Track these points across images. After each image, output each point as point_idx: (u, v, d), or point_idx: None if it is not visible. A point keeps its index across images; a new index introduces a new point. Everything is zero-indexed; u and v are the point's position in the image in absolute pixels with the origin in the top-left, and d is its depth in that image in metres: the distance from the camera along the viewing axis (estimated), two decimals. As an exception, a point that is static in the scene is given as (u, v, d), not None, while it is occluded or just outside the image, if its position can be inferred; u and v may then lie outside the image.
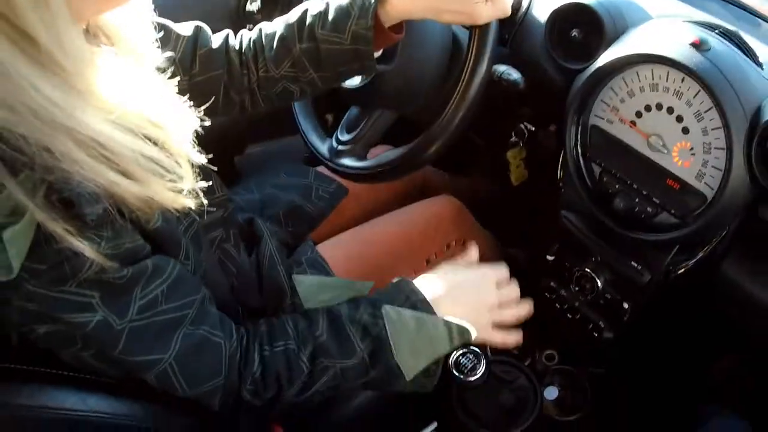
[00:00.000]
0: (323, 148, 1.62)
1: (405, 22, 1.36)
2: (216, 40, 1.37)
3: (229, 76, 1.37)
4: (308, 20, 1.31)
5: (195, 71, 1.31)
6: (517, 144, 1.80)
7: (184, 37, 1.32)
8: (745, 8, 1.71)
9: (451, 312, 1.19)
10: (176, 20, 1.35)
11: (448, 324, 1.17)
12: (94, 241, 0.82)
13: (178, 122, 0.92)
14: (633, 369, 1.87)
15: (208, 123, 0.98)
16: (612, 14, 1.49)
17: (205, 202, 0.95)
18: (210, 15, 1.65)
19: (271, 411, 1.12)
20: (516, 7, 1.67)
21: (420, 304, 1.17)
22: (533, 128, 1.76)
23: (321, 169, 1.71)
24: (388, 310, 1.14)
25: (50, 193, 0.77)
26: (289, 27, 1.33)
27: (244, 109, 1.43)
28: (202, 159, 0.95)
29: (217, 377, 1.03)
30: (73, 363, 0.95)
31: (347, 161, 1.56)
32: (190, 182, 0.91)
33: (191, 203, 0.91)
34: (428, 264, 1.70)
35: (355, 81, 1.53)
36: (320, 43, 1.29)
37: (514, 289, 1.33)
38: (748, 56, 1.41)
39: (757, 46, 1.47)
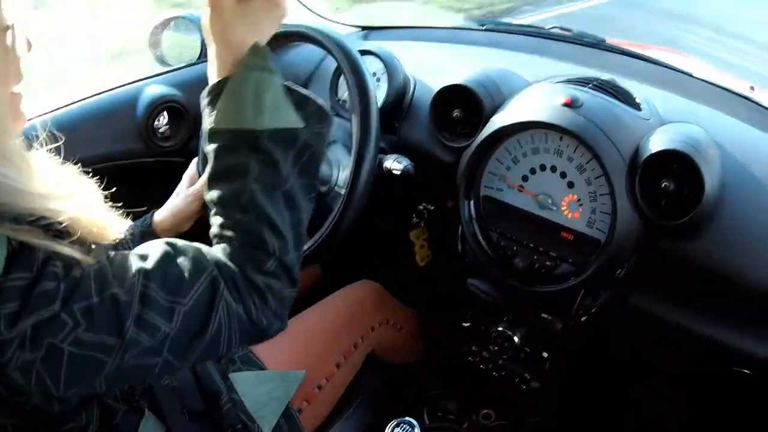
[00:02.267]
0: None
1: None
2: None
3: None
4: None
5: None
6: (419, 225, 1.71)
7: None
8: (631, 54, 1.70)
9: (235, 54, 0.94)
10: (84, 139, 1.36)
11: (243, 66, 0.93)
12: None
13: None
14: (569, 413, 1.76)
15: None
16: (488, 89, 1.44)
17: None
18: (118, 134, 1.59)
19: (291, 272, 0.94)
20: (401, 96, 1.61)
21: (216, 89, 0.94)
22: (432, 207, 1.67)
23: None
24: (212, 122, 0.93)
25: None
26: None
27: None
28: None
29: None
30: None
31: None
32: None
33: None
34: (356, 347, 1.58)
35: None
36: None
37: None
38: (623, 101, 1.37)
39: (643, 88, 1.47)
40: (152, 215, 1.42)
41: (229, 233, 0.92)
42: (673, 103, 1.48)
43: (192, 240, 0.95)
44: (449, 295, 1.68)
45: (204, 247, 0.91)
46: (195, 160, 1.47)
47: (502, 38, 1.86)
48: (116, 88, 1.78)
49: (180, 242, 0.90)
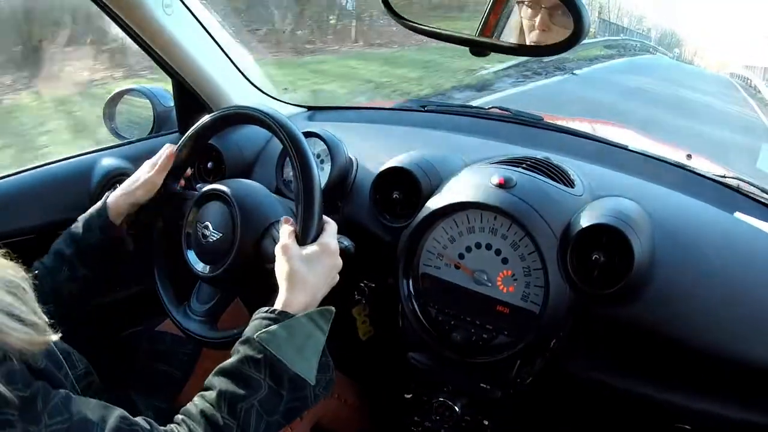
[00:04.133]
0: (178, 316, 1.43)
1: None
2: None
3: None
4: (69, 232, 1.36)
5: None
6: (360, 301, 1.65)
7: None
8: (568, 131, 1.70)
9: (305, 301, 1.09)
10: (35, 206, 1.46)
11: (308, 315, 1.06)
12: None
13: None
14: None
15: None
16: (426, 172, 1.42)
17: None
18: (71, 203, 1.53)
19: None
20: (343, 177, 1.57)
21: (278, 315, 1.05)
22: (373, 284, 1.62)
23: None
24: (260, 335, 1.02)
25: None
26: (58, 244, 1.35)
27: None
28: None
29: None
30: None
31: (200, 330, 1.37)
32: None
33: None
34: (301, 419, 1.51)
35: (200, 267, 1.37)
36: (80, 242, 1.34)
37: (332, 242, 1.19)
38: (557, 179, 1.35)
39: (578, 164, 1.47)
40: (106, 201, 1.37)
41: (201, 423, 0.97)
42: (607, 177, 1.47)
43: None
44: (391, 368, 1.60)
45: (156, 430, 0.94)
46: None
47: (442, 119, 1.85)
48: (71, 158, 1.72)
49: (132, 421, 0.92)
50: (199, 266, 1.37)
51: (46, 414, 0.82)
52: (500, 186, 1.28)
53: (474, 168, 1.42)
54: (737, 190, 1.49)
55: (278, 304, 1.08)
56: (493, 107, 1.84)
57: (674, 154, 1.68)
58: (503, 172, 1.32)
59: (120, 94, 1.92)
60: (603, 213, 1.24)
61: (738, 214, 1.39)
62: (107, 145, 1.81)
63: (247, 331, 1.05)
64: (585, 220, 1.23)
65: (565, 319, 1.28)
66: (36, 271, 1.31)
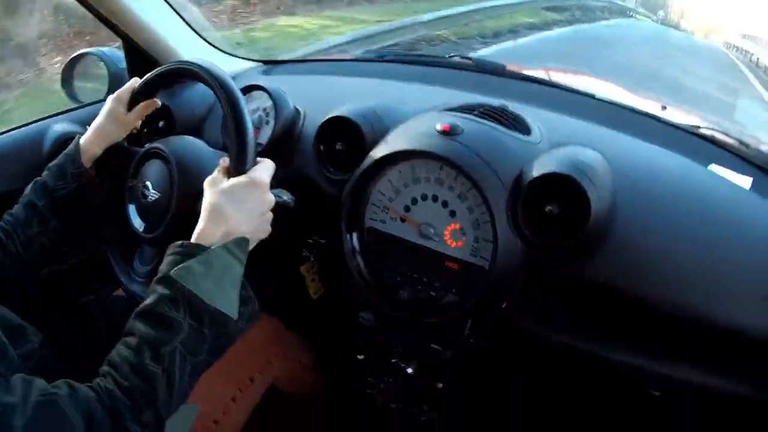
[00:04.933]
0: (123, 277, 1.40)
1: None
2: None
3: (3, 251, 1.27)
4: (39, 183, 1.29)
5: None
6: (308, 258, 1.57)
7: None
8: (531, 79, 1.61)
9: (222, 234, 1.01)
10: None
11: (224, 246, 0.98)
12: None
13: None
14: None
15: None
16: (370, 121, 1.32)
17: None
18: (24, 170, 1.50)
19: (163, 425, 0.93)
20: (288, 130, 1.48)
21: (193, 249, 0.97)
22: (323, 241, 1.53)
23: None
24: (175, 272, 0.94)
25: None
26: (28, 195, 1.29)
27: (17, 277, 1.29)
28: None
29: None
30: None
31: (142, 292, 1.32)
32: None
33: None
34: (252, 381, 1.44)
35: (141, 228, 1.30)
36: (53, 192, 1.27)
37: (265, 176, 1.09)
38: (511, 126, 1.25)
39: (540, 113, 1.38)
40: (78, 145, 1.30)
41: (125, 371, 0.90)
42: (568, 125, 1.37)
43: None
44: (343, 328, 1.53)
45: (78, 391, 0.86)
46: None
47: (401, 69, 1.75)
48: (24, 125, 1.66)
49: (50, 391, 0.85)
50: (140, 226, 1.30)
51: None
52: (444, 133, 1.18)
53: (421, 116, 1.32)
54: (712, 140, 1.38)
55: (193, 237, 1.01)
56: (454, 55, 1.74)
57: (647, 105, 1.58)
58: (450, 119, 1.22)
59: (76, 59, 1.84)
60: (558, 161, 1.14)
61: (713, 167, 1.28)
62: (57, 111, 1.74)
63: (162, 268, 0.98)
64: (537, 170, 1.13)
65: (517, 275, 1.18)
66: (5, 225, 1.28)
